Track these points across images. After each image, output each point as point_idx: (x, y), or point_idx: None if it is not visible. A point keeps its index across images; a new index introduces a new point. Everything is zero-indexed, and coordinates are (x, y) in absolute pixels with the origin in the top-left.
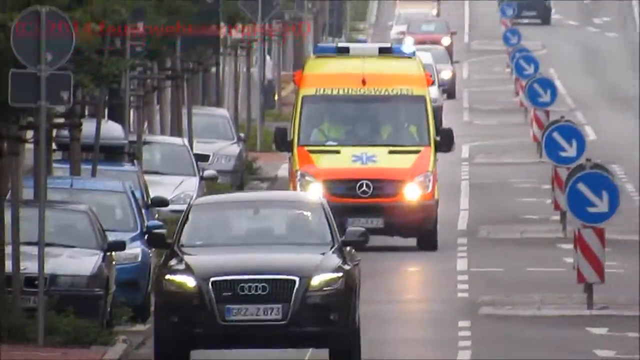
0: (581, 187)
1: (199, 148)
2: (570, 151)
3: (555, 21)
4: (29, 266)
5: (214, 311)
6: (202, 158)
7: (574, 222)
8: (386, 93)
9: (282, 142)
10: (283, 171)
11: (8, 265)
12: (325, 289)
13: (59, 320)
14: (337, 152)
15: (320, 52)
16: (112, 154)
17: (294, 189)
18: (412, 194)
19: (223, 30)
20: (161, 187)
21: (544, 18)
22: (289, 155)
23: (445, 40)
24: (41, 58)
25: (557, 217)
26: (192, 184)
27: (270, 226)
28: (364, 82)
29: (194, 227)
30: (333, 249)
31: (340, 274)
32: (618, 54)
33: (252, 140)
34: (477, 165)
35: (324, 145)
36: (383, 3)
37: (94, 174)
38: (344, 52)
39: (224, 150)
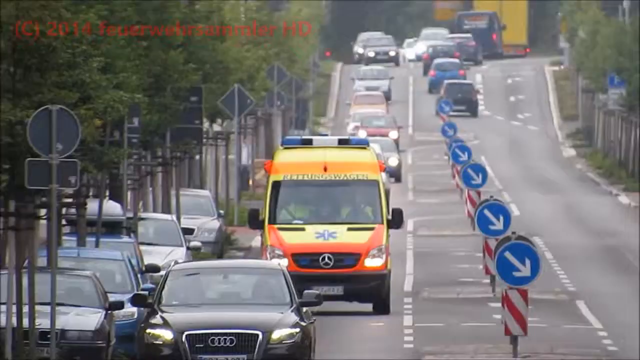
0: (507, 255)
1: (185, 223)
2: (498, 225)
3: (485, 116)
4: (43, 322)
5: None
6: (188, 231)
7: (502, 285)
8: (345, 178)
9: (255, 222)
10: (256, 242)
11: (25, 322)
12: (284, 342)
13: None
14: (303, 229)
15: (288, 144)
16: (113, 228)
17: None
18: (367, 265)
19: (205, 124)
20: (153, 255)
21: (472, 111)
22: (260, 231)
23: (393, 134)
24: (52, 148)
25: (488, 280)
26: (180, 253)
27: (237, 289)
28: (325, 169)
29: (171, 289)
30: (291, 309)
31: (298, 329)
32: (538, 144)
33: (230, 216)
34: (420, 237)
35: (291, 224)
36: (340, 101)
37: (97, 245)
38: (308, 143)
39: (207, 225)
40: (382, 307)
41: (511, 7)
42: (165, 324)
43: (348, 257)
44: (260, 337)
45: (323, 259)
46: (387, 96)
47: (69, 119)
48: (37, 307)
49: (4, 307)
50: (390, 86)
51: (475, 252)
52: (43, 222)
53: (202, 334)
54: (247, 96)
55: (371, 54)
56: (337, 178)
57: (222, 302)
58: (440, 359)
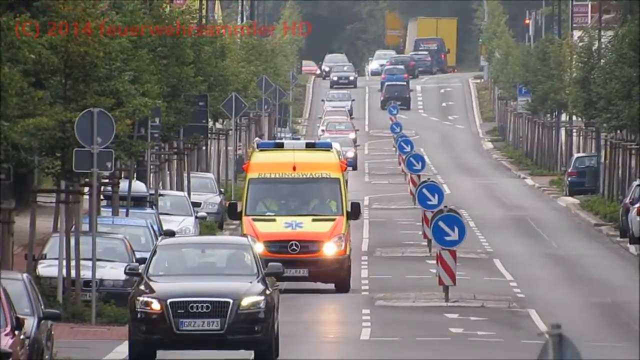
0: (441, 223)
1: (194, 198)
2: (434, 201)
3: (423, 117)
4: (86, 273)
5: (171, 323)
6: (196, 204)
7: (436, 246)
8: (311, 176)
9: (233, 213)
10: None
11: (72, 273)
12: (251, 308)
13: (105, 308)
14: (274, 220)
15: (262, 147)
16: (139, 202)
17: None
18: (329, 250)
19: (210, 123)
20: (170, 223)
21: (406, 106)
22: (238, 222)
23: (351, 135)
24: (94, 141)
25: (425, 243)
26: (190, 221)
27: (213, 261)
28: (294, 168)
29: (158, 261)
30: (258, 279)
31: (263, 297)
32: (464, 139)
33: (229, 193)
34: (373, 210)
35: (264, 215)
36: (313, 106)
37: (127, 214)
38: (279, 146)
39: (210, 199)
40: (342, 287)
41: (446, 37)
42: (152, 292)
43: (312, 244)
44: (231, 304)
45: (291, 245)
46: (350, 112)
47: (106, 118)
48: (82, 262)
49: (56, 262)
50: (352, 106)
51: (416, 221)
52: (86, 197)
53: (183, 301)
54: (242, 101)
55: (335, 78)
56: (304, 176)
57: (200, 272)
58: (388, 303)
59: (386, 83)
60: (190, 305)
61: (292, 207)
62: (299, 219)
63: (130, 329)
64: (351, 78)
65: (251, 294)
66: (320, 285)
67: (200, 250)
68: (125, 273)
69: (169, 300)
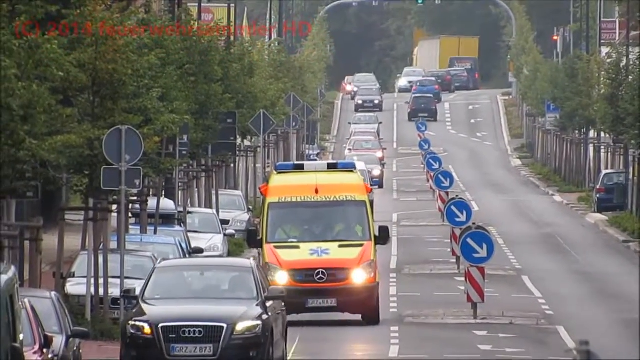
0: (469, 240)
1: (223, 216)
2: (462, 218)
3: (452, 134)
4: (114, 291)
5: (162, 348)
6: (224, 222)
7: (465, 263)
8: (335, 199)
9: (253, 241)
10: None
11: (101, 291)
12: (246, 333)
13: None
14: (297, 247)
15: (281, 169)
16: (167, 219)
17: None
18: (358, 278)
19: (238, 140)
20: (198, 241)
21: (433, 117)
22: (259, 249)
23: (379, 153)
24: (122, 158)
25: (454, 260)
26: (218, 239)
27: (211, 284)
28: (317, 191)
29: (155, 284)
30: (257, 303)
31: (260, 322)
32: (492, 156)
33: (257, 211)
34: (402, 227)
35: (287, 242)
36: (341, 123)
37: (155, 232)
38: (299, 168)
39: (239, 217)
40: (372, 318)
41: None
42: (145, 316)
43: (340, 272)
44: (225, 328)
45: (317, 274)
46: (378, 134)
47: (134, 136)
48: (110, 280)
49: (85, 280)
50: (379, 128)
51: (444, 238)
52: (114, 214)
53: (175, 325)
54: (270, 119)
55: (359, 102)
56: (328, 199)
57: (197, 296)
58: (417, 320)
59: (413, 95)
60: (182, 329)
61: (317, 233)
62: (325, 245)
63: (122, 354)
64: (376, 102)
65: (247, 319)
66: (346, 316)
67: (199, 273)
68: (121, 296)
69: (160, 325)
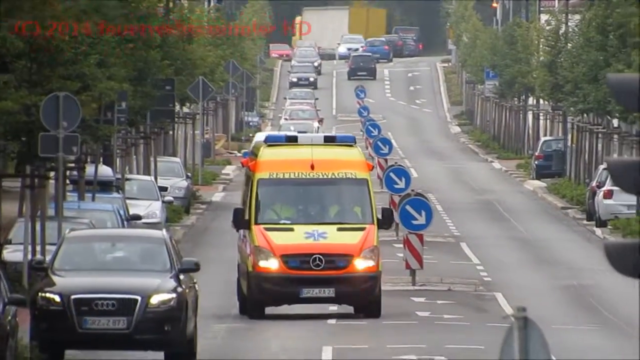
0: (408, 207)
1: (161, 183)
2: (401, 184)
3: (390, 101)
4: None
5: (74, 321)
6: (163, 189)
7: (404, 230)
8: (333, 177)
9: (240, 222)
10: (216, 197)
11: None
12: (161, 306)
13: None
14: (291, 229)
15: (272, 141)
16: (105, 186)
17: (254, 263)
18: (359, 266)
19: (177, 107)
20: (136, 208)
21: (372, 76)
22: (242, 232)
23: (315, 124)
24: (59, 125)
25: (393, 227)
26: (157, 206)
27: (123, 256)
28: (312, 167)
29: (65, 254)
30: (171, 275)
31: (175, 295)
32: (431, 123)
33: (195, 177)
34: None
35: (279, 224)
36: (280, 90)
37: (93, 199)
38: (292, 140)
39: (177, 184)
40: (373, 310)
41: (376, 27)
42: (55, 288)
43: (340, 259)
44: (140, 301)
45: (314, 260)
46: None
47: (72, 102)
48: (47, 247)
49: (22, 247)
50: (315, 104)
51: (384, 205)
52: (52, 181)
53: (87, 298)
54: (209, 86)
55: (294, 79)
56: (325, 176)
57: (108, 268)
58: None
59: (352, 54)
60: (95, 302)
61: (313, 214)
62: (322, 228)
63: (31, 328)
64: (311, 79)
65: (161, 291)
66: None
67: (110, 244)
68: (31, 267)
69: (72, 297)
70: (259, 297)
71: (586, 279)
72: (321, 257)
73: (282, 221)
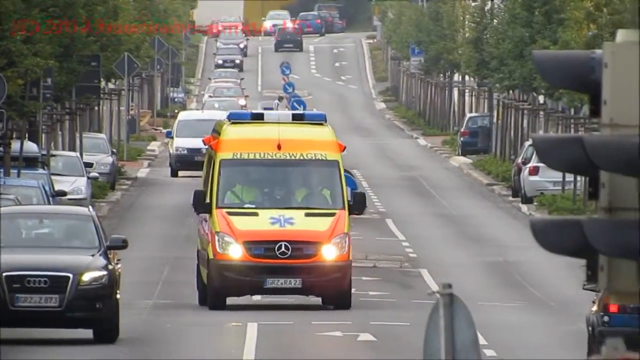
0: None
1: (86, 159)
2: None
3: (316, 78)
4: None
5: (5, 299)
6: (88, 165)
7: None
8: (301, 157)
9: (200, 205)
10: (141, 174)
11: None
12: (93, 283)
13: None
14: (255, 214)
15: (236, 119)
16: (31, 162)
17: (214, 250)
18: (329, 255)
19: (102, 83)
20: (62, 184)
21: (299, 48)
22: (202, 216)
23: (241, 101)
24: None
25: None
26: (82, 182)
27: (52, 233)
28: (279, 147)
29: None
30: (100, 252)
31: (106, 272)
32: (357, 99)
33: (121, 154)
34: None
35: (242, 208)
36: (205, 66)
37: (19, 175)
38: (258, 118)
39: (103, 160)
40: (343, 302)
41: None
42: None
43: (308, 246)
44: (72, 278)
45: (279, 247)
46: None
47: None
48: None
49: None
50: (240, 83)
51: None
52: None
53: (19, 275)
54: (134, 62)
55: (219, 62)
56: (293, 157)
57: (37, 245)
58: None
59: (278, 28)
60: (27, 279)
61: (279, 198)
62: (289, 213)
63: None
64: (237, 61)
65: (93, 269)
66: (304, 300)
67: (38, 221)
68: None
69: (3, 274)
70: (219, 287)
71: (512, 255)
72: (287, 244)
73: (246, 205)
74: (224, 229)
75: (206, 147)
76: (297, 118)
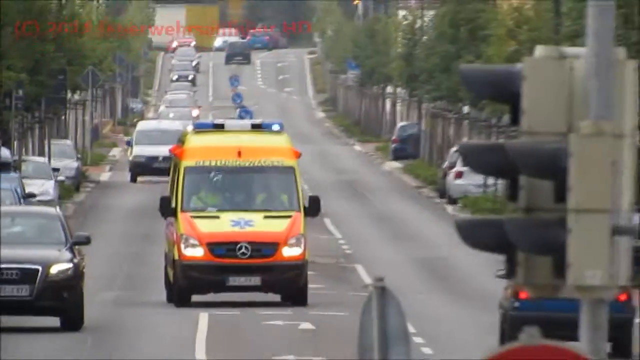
0: None
1: (54, 164)
2: None
3: (262, 89)
4: None
5: None
6: (55, 169)
7: None
8: (260, 164)
9: (166, 209)
10: (104, 177)
11: None
12: (60, 275)
13: None
14: (217, 217)
15: (199, 128)
16: (4, 167)
17: (179, 251)
18: (286, 254)
19: (69, 95)
20: (32, 187)
21: (247, 60)
22: (168, 220)
23: (194, 112)
24: None
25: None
26: (50, 184)
27: (23, 230)
28: (239, 154)
29: None
30: (66, 247)
31: (72, 265)
32: (299, 109)
33: (85, 159)
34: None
35: (205, 211)
36: (161, 79)
37: None
38: (220, 127)
39: (69, 165)
40: (300, 298)
41: (212, 21)
42: None
43: (266, 247)
44: (41, 270)
45: (240, 248)
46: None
47: None
48: None
49: None
50: (193, 95)
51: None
52: None
53: None
54: (98, 75)
55: (174, 77)
56: (252, 164)
57: (10, 241)
58: None
59: (230, 41)
60: (0, 272)
61: (239, 202)
62: (248, 216)
63: None
64: (190, 77)
65: (60, 261)
66: (261, 296)
67: (10, 219)
68: None
69: None
70: (185, 285)
71: (438, 251)
72: (247, 245)
73: (209, 209)
74: (188, 231)
75: (170, 155)
76: (256, 127)
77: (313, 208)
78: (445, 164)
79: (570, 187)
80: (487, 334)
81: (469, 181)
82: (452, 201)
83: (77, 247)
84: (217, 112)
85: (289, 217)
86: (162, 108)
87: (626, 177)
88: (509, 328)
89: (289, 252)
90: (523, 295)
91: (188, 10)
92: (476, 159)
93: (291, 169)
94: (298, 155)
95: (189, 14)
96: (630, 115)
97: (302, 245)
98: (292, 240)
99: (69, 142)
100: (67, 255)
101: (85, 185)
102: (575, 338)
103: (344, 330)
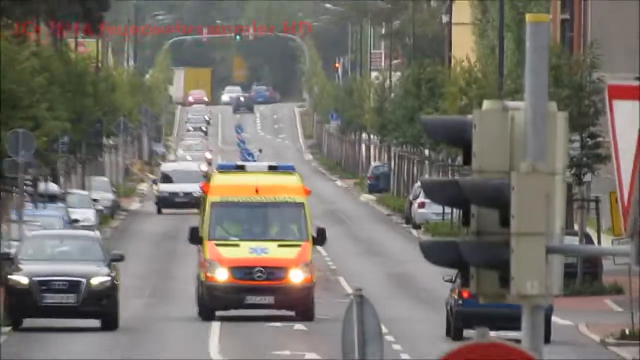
0: None
1: (94, 196)
2: None
3: (261, 136)
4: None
5: (36, 297)
6: (95, 200)
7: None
8: (274, 200)
9: (195, 238)
10: (134, 207)
11: None
12: (100, 286)
13: None
14: (238, 245)
15: (223, 169)
16: (53, 198)
17: (205, 274)
18: (296, 277)
19: (104, 139)
20: (75, 214)
21: (251, 110)
22: (198, 247)
23: (208, 154)
24: (19, 153)
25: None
26: (91, 213)
27: (69, 250)
28: (257, 191)
29: (26, 248)
30: (105, 263)
31: (109, 278)
32: (290, 151)
33: (119, 192)
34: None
35: (227, 240)
36: (179, 128)
37: (44, 207)
38: (241, 168)
39: (105, 197)
40: (307, 315)
41: (205, 83)
42: (21, 272)
43: (279, 271)
44: (84, 282)
45: (257, 272)
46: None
47: (29, 136)
48: (13, 243)
49: None
50: (207, 143)
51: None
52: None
53: (45, 279)
54: (127, 124)
55: (190, 129)
56: (268, 200)
57: (59, 258)
58: None
59: (238, 95)
60: (52, 282)
61: (256, 232)
62: (264, 245)
63: (3, 300)
64: (203, 129)
65: (99, 275)
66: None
67: (59, 241)
68: (1, 258)
69: (35, 278)
70: (209, 303)
71: (405, 266)
72: (263, 269)
73: (231, 238)
74: (213, 256)
75: (199, 191)
76: (272, 168)
77: (320, 238)
78: (411, 196)
79: (512, 214)
80: (440, 328)
81: (430, 210)
82: (417, 226)
83: (113, 263)
84: (225, 154)
85: (299, 245)
86: (180, 151)
87: (558, 207)
88: (454, 320)
89: (299, 276)
90: (465, 294)
91: (186, 72)
92: (435, 192)
93: (301, 205)
94: (308, 193)
95: (187, 75)
96: (560, 156)
97: (310, 270)
98: (302, 266)
99: (105, 178)
100: (105, 270)
101: (119, 214)
102: (506, 328)
103: (330, 330)
